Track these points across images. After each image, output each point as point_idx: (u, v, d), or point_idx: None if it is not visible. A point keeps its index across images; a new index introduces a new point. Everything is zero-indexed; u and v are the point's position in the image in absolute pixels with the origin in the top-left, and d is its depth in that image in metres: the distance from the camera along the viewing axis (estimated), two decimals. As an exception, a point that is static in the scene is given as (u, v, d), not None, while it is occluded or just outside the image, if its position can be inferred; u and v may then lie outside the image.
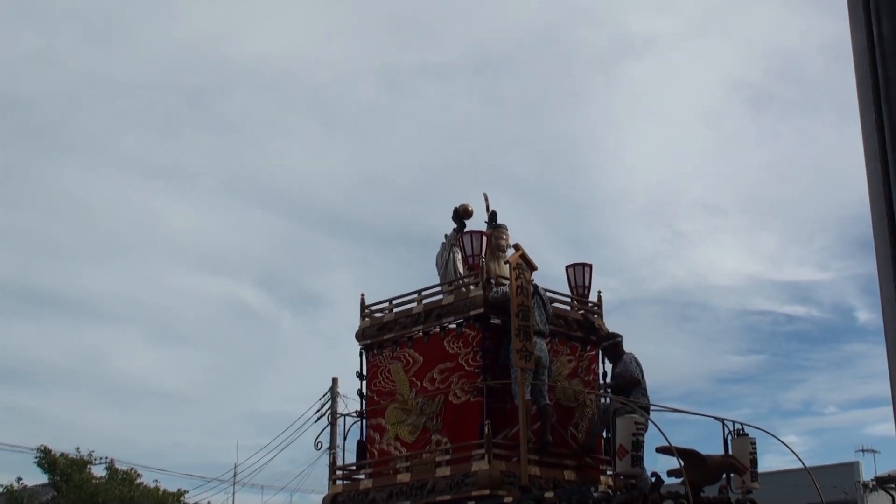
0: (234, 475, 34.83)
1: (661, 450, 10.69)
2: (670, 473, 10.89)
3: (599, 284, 12.19)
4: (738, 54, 61.89)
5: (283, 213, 64.89)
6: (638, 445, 10.00)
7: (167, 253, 61.58)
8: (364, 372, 11.94)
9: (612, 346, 11.56)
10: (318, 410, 26.96)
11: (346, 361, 12.18)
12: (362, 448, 11.79)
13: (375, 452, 11.59)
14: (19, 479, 30.72)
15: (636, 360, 11.38)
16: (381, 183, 60.49)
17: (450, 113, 59.40)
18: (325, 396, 27.21)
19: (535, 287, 10.96)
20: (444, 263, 11.87)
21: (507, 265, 10.93)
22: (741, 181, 63.30)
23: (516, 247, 11.21)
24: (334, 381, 26.86)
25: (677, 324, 57.28)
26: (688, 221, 61.72)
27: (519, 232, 12.11)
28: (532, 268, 10.99)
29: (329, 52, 58.77)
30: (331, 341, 56.93)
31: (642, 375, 11.28)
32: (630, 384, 11.15)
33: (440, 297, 11.49)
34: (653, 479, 10.71)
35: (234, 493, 35.78)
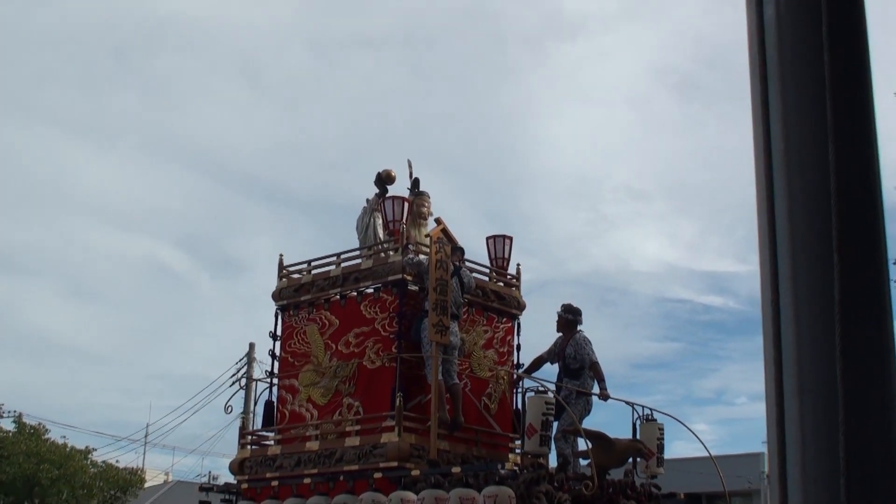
0: (146, 435, 34.44)
1: (569, 431, 10.72)
2: (577, 455, 10.94)
3: (521, 263, 12.20)
4: (667, 40, 62.67)
5: (205, 176, 64.36)
6: (547, 425, 10.00)
7: (85, 209, 60.71)
8: (279, 333, 11.80)
9: (572, 319, 11.44)
10: (234, 375, 26.74)
11: (265, 327, 12.00)
12: (269, 409, 11.68)
13: (287, 413, 11.49)
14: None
15: (588, 341, 11.30)
16: (305, 150, 60.26)
17: (377, 84, 59.27)
18: (242, 361, 26.98)
19: (457, 268, 10.86)
20: (364, 228, 11.80)
21: (429, 238, 10.82)
22: (665, 167, 64.34)
23: (438, 221, 11.14)
24: (251, 346, 26.64)
25: (597, 307, 57.93)
26: (612, 205, 62.48)
27: (442, 206, 12.06)
28: (453, 242, 10.91)
29: (258, 16, 58.25)
30: (249, 306, 56.70)
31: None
32: (583, 367, 11.10)
33: (359, 261, 11.39)
34: (560, 460, 10.76)
35: (144, 453, 35.38)
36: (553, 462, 10.70)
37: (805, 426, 1.37)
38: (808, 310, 1.41)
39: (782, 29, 1.54)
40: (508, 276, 12.05)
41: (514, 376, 11.72)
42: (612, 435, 10.47)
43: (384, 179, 11.84)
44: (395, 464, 10.00)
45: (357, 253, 11.57)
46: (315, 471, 10.65)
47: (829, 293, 1.39)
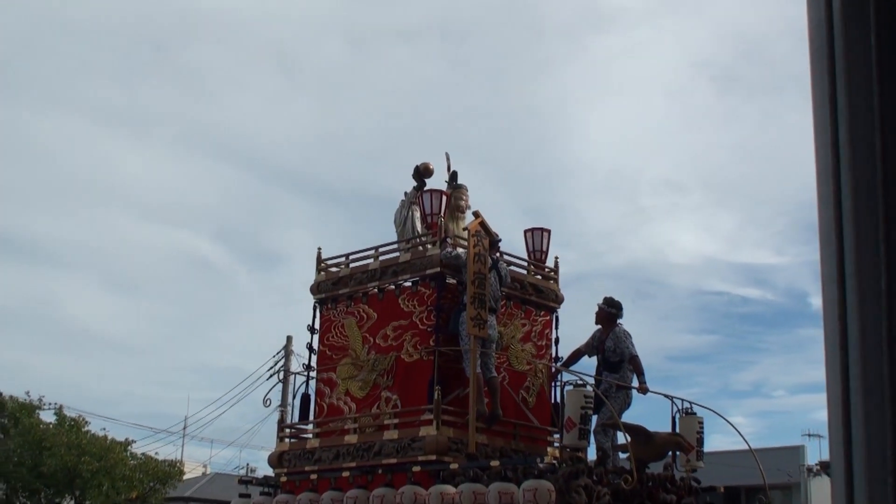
0: (184, 427, 34.70)
1: (608, 425, 10.67)
2: (617, 448, 10.89)
3: (559, 256, 12.16)
4: (705, 33, 62.14)
5: (241, 168, 64.64)
6: (586, 419, 9.95)
7: (124, 201, 61.15)
8: (317, 326, 11.83)
9: (614, 313, 11.42)
10: (272, 368, 26.86)
11: (302, 320, 12.07)
12: (305, 402, 11.73)
13: (325, 406, 11.52)
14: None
15: (628, 334, 11.26)
16: (341, 142, 60.38)
17: (414, 76, 59.24)
18: (279, 354, 27.10)
19: (495, 261, 10.84)
20: (402, 221, 11.80)
21: (466, 231, 10.81)
22: (704, 160, 63.83)
23: (476, 214, 11.10)
24: (289, 339, 26.74)
25: (633, 300, 57.50)
26: (649, 197, 62.09)
27: (479, 199, 12.02)
28: (491, 235, 10.88)
29: (295, 8, 58.28)
30: (287, 299, 56.88)
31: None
32: (623, 360, 11.07)
33: (397, 254, 11.39)
34: (599, 454, 10.71)
35: (182, 446, 35.66)
36: (592, 456, 10.65)
37: (857, 424, 1.34)
38: (863, 302, 1.38)
39: (839, 17, 1.51)
40: (546, 269, 12.01)
41: (553, 369, 11.69)
42: (651, 428, 10.42)
43: (422, 172, 11.83)
44: (433, 457, 10.00)
45: (395, 246, 11.58)
46: (354, 464, 10.66)
47: (878, 287, 1.37)
